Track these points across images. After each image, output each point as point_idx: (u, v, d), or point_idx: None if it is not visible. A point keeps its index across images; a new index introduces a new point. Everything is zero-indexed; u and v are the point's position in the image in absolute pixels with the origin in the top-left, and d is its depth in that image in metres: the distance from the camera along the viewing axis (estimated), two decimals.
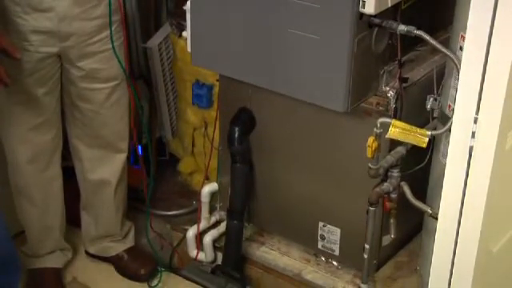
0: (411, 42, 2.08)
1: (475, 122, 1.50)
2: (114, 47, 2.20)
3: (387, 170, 2.04)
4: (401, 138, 1.91)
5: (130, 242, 2.57)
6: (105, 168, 2.41)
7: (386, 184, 2.06)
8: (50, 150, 2.32)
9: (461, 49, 1.84)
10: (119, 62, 2.24)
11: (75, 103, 2.29)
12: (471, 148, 1.53)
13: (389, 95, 2.05)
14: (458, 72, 1.60)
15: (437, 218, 1.68)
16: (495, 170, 1.53)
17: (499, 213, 1.66)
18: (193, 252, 2.52)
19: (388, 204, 2.09)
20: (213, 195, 2.51)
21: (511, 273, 1.88)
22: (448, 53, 1.87)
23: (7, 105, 2.20)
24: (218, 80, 2.40)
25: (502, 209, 1.68)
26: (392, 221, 2.15)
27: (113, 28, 2.19)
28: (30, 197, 2.36)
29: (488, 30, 1.42)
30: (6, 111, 2.22)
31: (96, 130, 2.34)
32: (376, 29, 1.94)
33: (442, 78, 2.01)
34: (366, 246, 2.11)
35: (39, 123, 2.24)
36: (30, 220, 2.41)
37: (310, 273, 2.35)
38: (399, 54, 2.02)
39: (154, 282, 2.50)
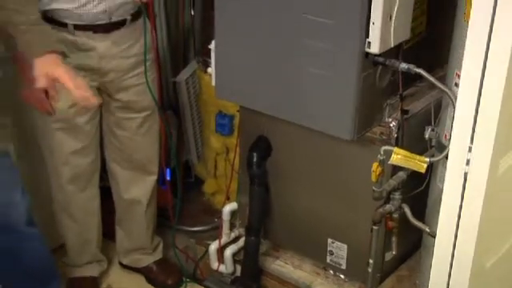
0: (411, 79, 2.08)
1: (470, 150, 1.50)
2: (147, 81, 2.22)
3: (390, 193, 2.04)
4: (402, 163, 1.91)
5: (158, 255, 2.57)
6: (137, 188, 2.42)
7: (388, 205, 2.06)
8: (89, 172, 2.32)
9: (456, 85, 1.85)
10: (152, 94, 2.26)
11: (112, 130, 2.31)
12: (466, 174, 1.53)
13: (391, 125, 2.05)
14: (454, 106, 1.60)
15: (434, 237, 1.67)
16: (488, 193, 1.52)
17: (492, 232, 1.65)
18: (214, 264, 2.52)
19: (390, 223, 2.09)
20: (233, 213, 2.51)
21: (503, 286, 1.86)
22: (444, 89, 1.87)
23: (52, 131, 2.21)
24: (238, 111, 2.41)
25: (495, 229, 1.67)
26: (394, 238, 2.14)
27: (147, 65, 2.21)
28: (70, 213, 2.37)
29: (481, 67, 1.43)
30: (51, 136, 2.23)
31: (130, 155, 2.35)
32: (380, 66, 1.94)
33: (439, 111, 2.01)
34: (371, 261, 2.10)
35: (80, 148, 2.25)
36: (70, 234, 2.42)
37: (320, 285, 2.33)
38: (401, 88, 2.02)
39: None
